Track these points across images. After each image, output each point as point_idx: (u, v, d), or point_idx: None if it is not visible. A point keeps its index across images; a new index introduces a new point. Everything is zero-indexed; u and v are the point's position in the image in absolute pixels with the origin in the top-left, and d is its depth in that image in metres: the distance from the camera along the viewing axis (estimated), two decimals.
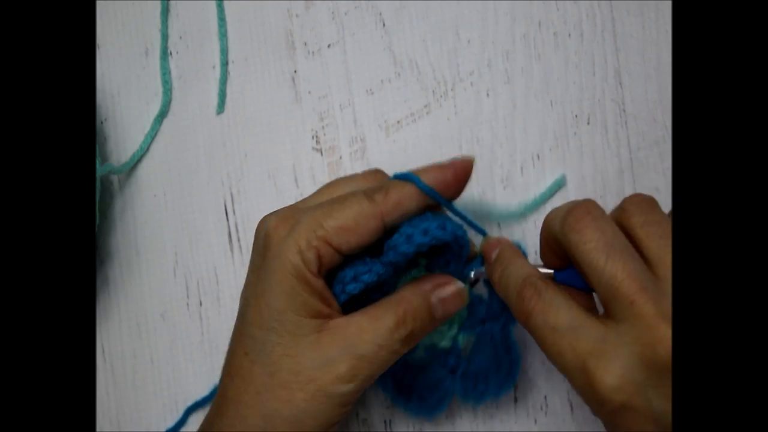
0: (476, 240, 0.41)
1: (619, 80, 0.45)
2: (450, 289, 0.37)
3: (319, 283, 0.36)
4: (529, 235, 0.44)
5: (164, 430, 0.47)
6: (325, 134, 0.47)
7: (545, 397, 0.44)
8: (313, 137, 0.47)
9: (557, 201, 0.44)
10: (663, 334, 0.30)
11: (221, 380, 0.38)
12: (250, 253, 0.39)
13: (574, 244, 0.33)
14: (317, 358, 0.36)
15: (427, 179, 0.37)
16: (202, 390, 0.47)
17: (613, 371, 0.31)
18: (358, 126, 0.47)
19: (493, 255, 0.38)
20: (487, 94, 0.45)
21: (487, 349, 0.41)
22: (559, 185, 0.44)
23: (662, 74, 0.44)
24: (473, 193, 0.45)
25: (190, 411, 0.46)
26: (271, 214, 0.38)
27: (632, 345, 0.31)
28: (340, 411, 0.36)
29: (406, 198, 0.36)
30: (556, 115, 0.45)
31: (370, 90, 0.47)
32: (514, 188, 0.45)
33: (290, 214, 0.37)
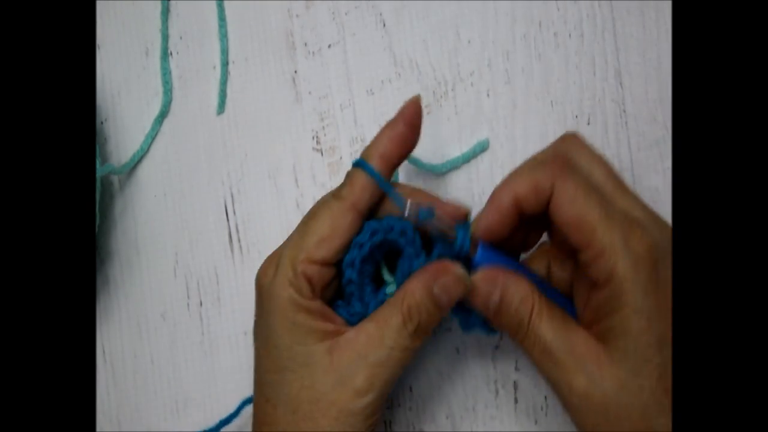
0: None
1: (620, 80, 0.44)
2: (450, 276, 0.36)
3: (317, 305, 0.37)
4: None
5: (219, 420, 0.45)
6: (325, 134, 0.47)
7: (545, 397, 0.44)
8: (313, 137, 0.47)
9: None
10: None
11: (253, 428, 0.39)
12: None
13: (569, 201, 0.34)
14: (332, 379, 0.36)
15: (383, 146, 0.37)
16: (203, 390, 0.47)
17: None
18: (358, 126, 0.47)
19: (496, 297, 0.36)
20: (488, 94, 0.45)
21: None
22: (483, 147, 0.45)
23: (662, 74, 0.44)
24: (473, 192, 0.45)
25: (245, 404, 0.46)
26: (265, 260, 0.39)
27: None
28: (368, 423, 0.36)
29: (369, 182, 0.37)
30: (557, 115, 0.45)
31: (371, 90, 0.47)
32: None
33: (274, 254, 0.38)
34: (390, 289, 0.39)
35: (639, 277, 0.33)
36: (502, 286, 0.35)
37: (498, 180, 0.45)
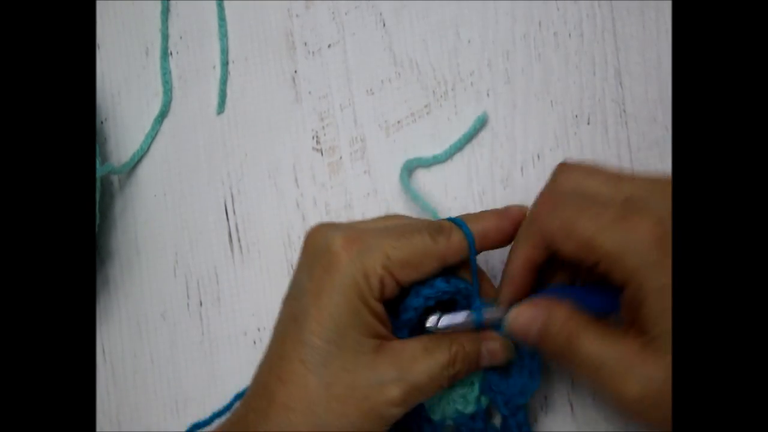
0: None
1: (620, 80, 0.45)
2: (500, 341, 0.39)
3: (380, 307, 0.37)
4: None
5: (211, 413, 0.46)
6: (325, 134, 0.47)
7: (545, 397, 0.44)
8: (313, 137, 0.47)
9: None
10: None
11: (266, 382, 0.38)
12: (301, 258, 0.39)
13: (563, 230, 0.35)
14: (373, 377, 0.36)
15: (486, 229, 0.39)
16: (203, 390, 0.47)
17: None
18: (358, 126, 0.47)
19: (537, 327, 0.38)
20: (488, 94, 0.45)
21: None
22: (482, 122, 0.45)
23: (662, 74, 0.44)
24: (473, 192, 0.45)
25: (238, 398, 0.46)
26: (334, 229, 0.38)
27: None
28: (386, 428, 0.37)
29: (466, 246, 0.38)
30: (557, 115, 0.45)
31: (371, 90, 0.47)
32: (514, 188, 0.45)
33: (357, 236, 0.37)
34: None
35: (649, 259, 0.33)
36: (542, 315, 0.37)
37: (498, 180, 0.45)
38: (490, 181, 0.45)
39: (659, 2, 0.44)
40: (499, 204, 0.45)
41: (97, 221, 0.45)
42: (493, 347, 0.39)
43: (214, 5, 0.48)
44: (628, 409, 0.34)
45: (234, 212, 0.47)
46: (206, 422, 0.45)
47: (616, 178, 0.36)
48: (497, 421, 0.42)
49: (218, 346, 0.47)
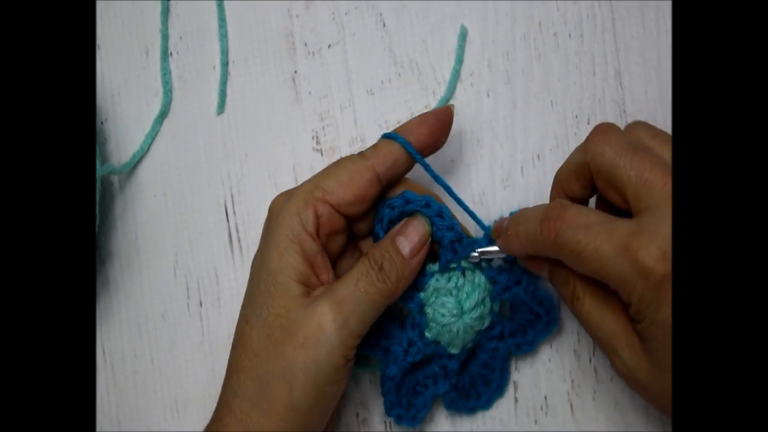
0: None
1: (620, 80, 0.45)
2: (415, 230, 0.40)
3: (315, 247, 0.38)
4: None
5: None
6: (325, 134, 0.47)
7: (545, 397, 0.44)
8: (313, 137, 0.47)
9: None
10: None
11: (229, 358, 0.40)
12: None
13: (600, 152, 0.36)
14: (303, 310, 0.37)
15: (416, 130, 0.40)
16: (203, 390, 0.47)
17: (657, 242, 0.32)
18: (358, 126, 0.47)
19: (505, 224, 0.39)
20: (488, 95, 0.46)
21: (521, 308, 0.43)
22: (463, 34, 0.45)
23: (662, 74, 0.44)
24: (473, 193, 0.45)
25: None
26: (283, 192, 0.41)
27: (670, 218, 0.32)
28: (332, 365, 0.37)
29: (396, 149, 0.40)
30: (557, 115, 0.45)
31: (371, 90, 0.47)
32: (514, 188, 0.45)
33: (293, 188, 0.40)
34: (432, 268, 0.41)
35: (650, 293, 0.33)
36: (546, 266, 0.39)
37: (498, 180, 0.45)
38: (491, 180, 0.45)
39: (659, 2, 0.44)
40: (500, 204, 0.45)
41: (98, 221, 0.45)
42: (410, 237, 0.40)
43: (214, 5, 0.48)
44: (616, 372, 0.36)
45: (234, 212, 0.47)
46: None
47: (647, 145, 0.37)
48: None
49: (218, 346, 0.47)
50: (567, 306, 0.38)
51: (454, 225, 0.40)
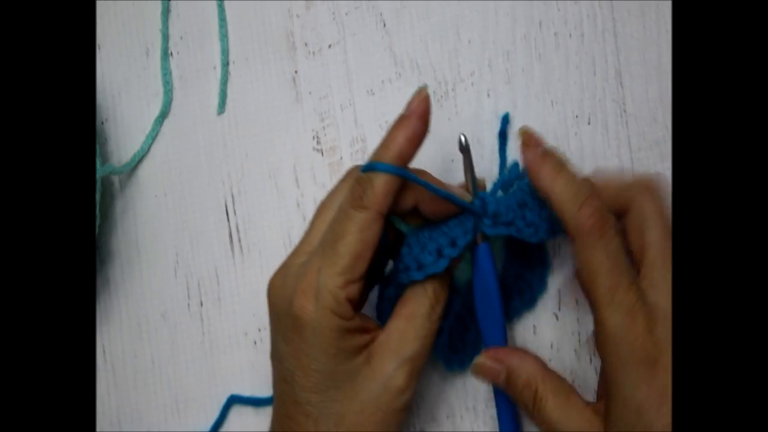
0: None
1: (620, 80, 0.45)
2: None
3: (357, 322, 0.37)
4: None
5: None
6: (325, 134, 0.47)
7: None
8: (313, 137, 0.47)
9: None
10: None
11: None
12: (271, 320, 0.39)
13: (588, 262, 0.35)
14: (375, 385, 0.36)
15: (400, 147, 0.36)
16: (203, 390, 0.47)
17: None
18: (358, 126, 0.47)
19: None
20: (488, 95, 0.46)
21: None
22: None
23: (662, 74, 0.44)
24: None
25: (231, 402, 0.46)
26: (285, 283, 0.37)
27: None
28: (405, 414, 0.37)
29: (391, 181, 0.36)
30: (557, 115, 0.45)
31: (371, 90, 0.47)
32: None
33: (307, 283, 0.36)
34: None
35: (631, 371, 0.33)
36: (507, 366, 0.38)
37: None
38: (491, 181, 0.45)
39: (659, 2, 0.44)
40: None
41: (98, 222, 0.45)
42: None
43: (214, 5, 0.48)
44: None
45: (234, 212, 0.47)
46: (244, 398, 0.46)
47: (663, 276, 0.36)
48: None
49: (218, 346, 0.47)
50: (527, 412, 0.38)
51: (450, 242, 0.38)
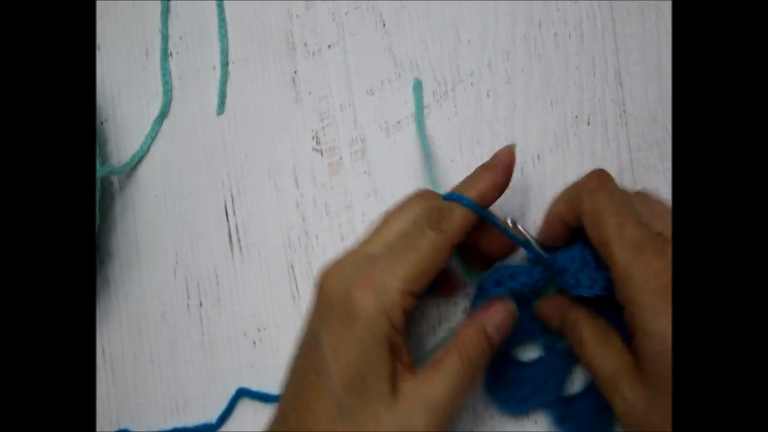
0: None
1: (620, 81, 0.45)
2: (499, 314, 0.39)
3: (401, 340, 0.37)
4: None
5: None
6: (325, 135, 0.47)
7: None
8: (313, 138, 0.47)
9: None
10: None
11: None
12: (316, 306, 0.38)
13: (591, 212, 0.37)
14: (395, 420, 0.36)
15: (483, 187, 0.39)
16: (203, 390, 0.47)
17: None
18: (358, 126, 0.47)
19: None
20: (488, 95, 0.46)
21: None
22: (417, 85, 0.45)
23: (662, 75, 0.44)
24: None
25: (239, 395, 0.46)
26: (344, 273, 0.37)
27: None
28: None
29: (469, 216, 0.38)
30: (557, 115, 0.45)
31: (371, 90, 0.47)
32: (514, 189, 0.45)
33: (369, 279, 0.36)
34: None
35: (647, 300, 0.34)
36: (560, 311, 0.40)
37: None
38: None
39: (659, 2, 0.44)
40: (500, 204, 0.45)
41: (97, 222, 0.45)
42: (495, 322, 0.38)
43: (214, 6, 0.48)
44: (617, 417, 0.37)
45: (234, 213, 0.47)
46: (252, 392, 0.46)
47: (664, 213, 0.37)
48: None
49: (218, 346, 0.47)
50: (573, 350, 0.40)
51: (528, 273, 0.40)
